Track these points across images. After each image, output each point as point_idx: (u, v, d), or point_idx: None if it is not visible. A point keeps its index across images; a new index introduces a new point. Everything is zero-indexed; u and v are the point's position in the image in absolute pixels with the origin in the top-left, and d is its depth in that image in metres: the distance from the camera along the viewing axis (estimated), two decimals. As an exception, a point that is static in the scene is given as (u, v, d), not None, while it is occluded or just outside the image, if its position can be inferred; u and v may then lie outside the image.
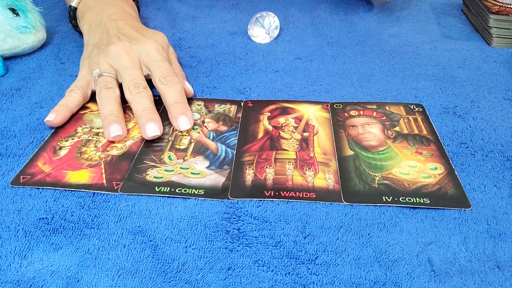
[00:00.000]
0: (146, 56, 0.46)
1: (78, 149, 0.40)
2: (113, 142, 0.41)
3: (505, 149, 0.41)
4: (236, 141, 0.42)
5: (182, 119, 0.42)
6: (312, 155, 0.40)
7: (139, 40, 0.46)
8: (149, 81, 0.46)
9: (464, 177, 0.38)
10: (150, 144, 0.41)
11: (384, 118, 0.45)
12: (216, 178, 0.37)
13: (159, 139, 0.42)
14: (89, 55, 0.48)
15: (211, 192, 0.36)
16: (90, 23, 0.52)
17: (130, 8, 0.57)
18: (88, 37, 0.51)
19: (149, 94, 0.43)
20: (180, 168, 0.38)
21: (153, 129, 0.40)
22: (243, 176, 0.37)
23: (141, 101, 0.42)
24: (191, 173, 0.38)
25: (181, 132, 0.43)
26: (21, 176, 0.37)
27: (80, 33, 0.58)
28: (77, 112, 0.45)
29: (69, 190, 0.36)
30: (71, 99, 0.44)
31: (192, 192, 0.36)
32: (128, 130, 0.43)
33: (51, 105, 0.47)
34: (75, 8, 0.57)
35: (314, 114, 0.46)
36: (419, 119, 0.45)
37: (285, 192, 0.36)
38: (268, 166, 0.38)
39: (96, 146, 0.41)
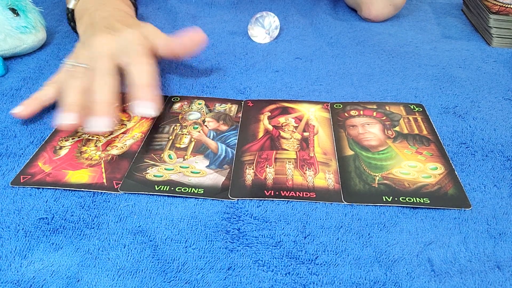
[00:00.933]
0: (125, 45, 0.44)
1: (78, 148, 0.40)
2: (112, 141, 0.41)
3: (505, 149, 0.41)
4: (236, 140, 0.42)
5: (142, 106, 0.40)
6: (312, 155, 0.40)
7: (121, 31, 0.45)
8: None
9: (464, 177, 0.38)
10: (150, 143, 0.41)
11: (384, 118, 0.45)
12: (216, 178, 0.37)
13: (159, 137, 0.42)
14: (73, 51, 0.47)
15: (210, 192, 0.36)
16: (86, 25, 0.51)
17: (125, 6, 0.56)
18: (81, 38, 0.51)
19: (112, 83, 0.41)
20: (180, 167, 0.38)
21: (101, 124, 0.38)
22: (243, 175, 0.37)
23: (101, 90, 0.40)
24: (191, 172, 0.38)
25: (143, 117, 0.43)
26: (21, 176, 0.37)
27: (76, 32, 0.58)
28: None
29: (69, 190, 0.36)
30: (44, 92, 0.44)
31: (192, 192, 0.36)
32: (128, 129, 0.43)
33: (51, 105, 0.47)
34: (73, 10, 0.56)
35: (314, 114, 0.46)
36: (419, 119, 0.45)
37: (285, 192, 0.36)
38: (268, 166, 0.38)
39: (96, 146, 0.41)
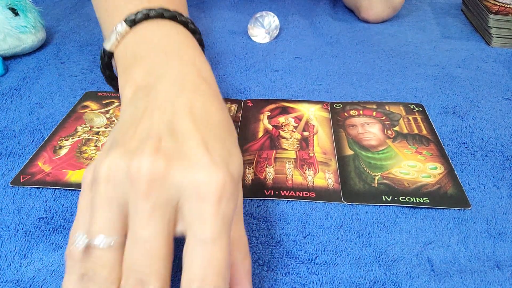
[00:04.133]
0: (189, 196, 0.23)
1: (78, 148, 0.40)
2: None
3: (505, 148, 0.41)
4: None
5: None
6: (312, 154, 0.40)
7: (191, 160, 0.23)
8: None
9: (463, 177, 0.38)
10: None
11: (384, 117, 0.45)
12: (216, 178, 0.37)
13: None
14: (98, 159, 0.25)
15: (211, 192, 0.36)
16: (136, 87, 0.28)
17: (201, 61, 0.31)
18: (123, 113, 0.28)
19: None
20: (180, 167, 0.38)
21: None
22: (243, 175, 0.37)
23: None
24: (191, 172, 0.38)
25: None
26: (21, 176, 0.37)
27: (116, 89, 0.35)
28: (77, 111, 0.45)
29: (69, 190, 0.36)
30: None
31: (192, 192, 0.36)
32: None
33: (51, 105, 0.47)
34: (111, 54, 0.33)
35: (314, 114, 0.46)
36: (418, 119, 0.45)
37: (285, 192, 0.36)
38: (268, 166, 0.38)
39: (96, 145, 0.41)
